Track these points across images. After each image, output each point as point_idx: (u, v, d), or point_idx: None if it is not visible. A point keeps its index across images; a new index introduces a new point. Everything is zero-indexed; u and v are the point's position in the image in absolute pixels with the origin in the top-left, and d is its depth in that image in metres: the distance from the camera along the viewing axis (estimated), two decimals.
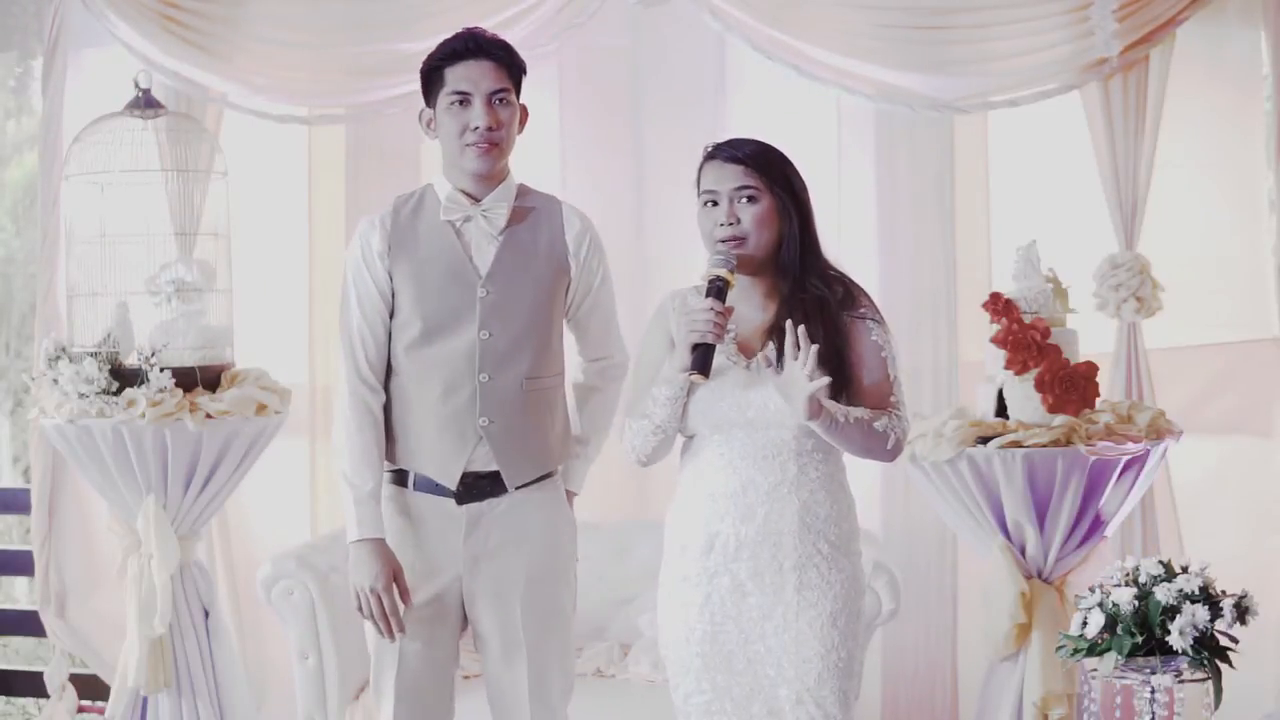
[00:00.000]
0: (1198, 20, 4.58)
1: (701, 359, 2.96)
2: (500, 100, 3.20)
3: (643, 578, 4.43)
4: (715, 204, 3.04)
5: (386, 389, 3.27)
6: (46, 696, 5.05)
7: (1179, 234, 4.69)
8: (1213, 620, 3.01)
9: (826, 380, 2.87)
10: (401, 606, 3.20)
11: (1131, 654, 3.02)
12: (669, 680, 3.14)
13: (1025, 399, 4.08)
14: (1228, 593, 3.07)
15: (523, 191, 3.30)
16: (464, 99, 3.18)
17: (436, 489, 3.23)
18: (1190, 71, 4.66)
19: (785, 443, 3.02)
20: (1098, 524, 4.09)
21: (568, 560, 3.35)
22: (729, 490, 3.04)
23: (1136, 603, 3.04)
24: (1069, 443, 4.00)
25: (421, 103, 3.28)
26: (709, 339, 2.95)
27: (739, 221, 3.01)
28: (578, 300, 3.34)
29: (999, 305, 4.15)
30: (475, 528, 3.24)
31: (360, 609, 3.22)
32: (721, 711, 3.05)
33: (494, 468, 3.23)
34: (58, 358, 4.33)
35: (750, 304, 3.08)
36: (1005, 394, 4.14)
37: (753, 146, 3.06)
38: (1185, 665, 3.01)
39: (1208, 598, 3.04)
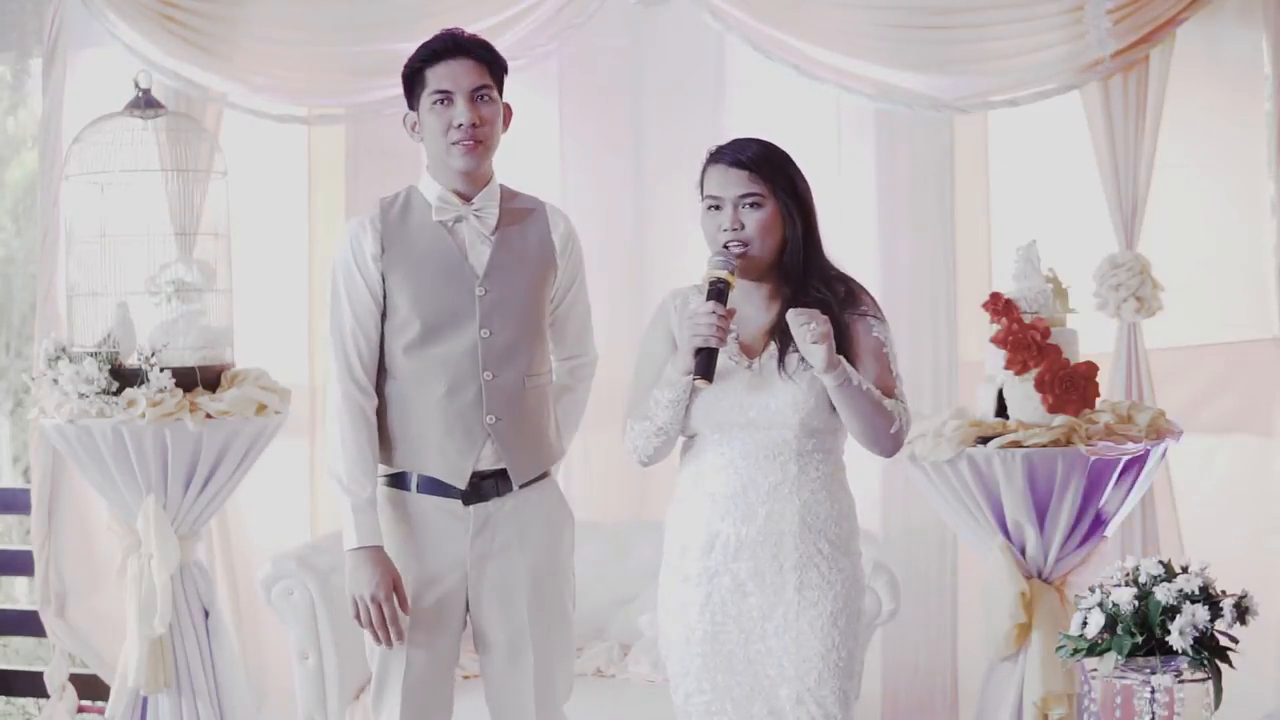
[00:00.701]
0: (1197, 20, 4.58)
1: (705, 363, 2.96)
2: (482, 97, 3.20)
3: (643, 578, 4.43)
4: (719, 208, 3.04)
5: (380, 392, 3.26)
6: (46, 696, 5.05)
7: (1179, 234, 4.70)
8: (1213, 620, 3.01)
9: (828, 327, 2.90)
10: (401, 615, 3.19)
11: (1131, 654, 3.02)
12: (669, 680, 3.14)
13: (1025, 399, 4.08)
14: (1228, 593, 3.07)
15: (508, 193, 3.31)
16: (446, 97, 3.19)
17: (443, 490, 3.23)
18: (1190, 71, 4.66)
19: (786, 443, 3.03)
20: (1098, 524, 4.09)
21: (568, 558, 3.35)
22: (730, 491, 3.04)
23: (1136, 603, 3.04)
24: (1069, 443, 4.00)
25: None
26: (712, 343, 2.95)
27: (743, 227, 3.02)
28: (559, 298, 3.35)
29: (999, 305, 4.15)
30: (483, 528, 3.24)
31: (358, 617, 3.20)
32: (722, 711, 3.05)
33: (500, 466, 3.23)
34: (58, 358, 4.33)
35: (753, 305, 3.08)
36: (1005, 394, 4.14)
37: (756, 149, 3.05)
38: (1185, 665, 3.01)
39: (1208, 598, 3.04)
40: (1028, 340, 4.06)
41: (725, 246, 3.01)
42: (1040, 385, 4.05)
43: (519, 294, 3.24)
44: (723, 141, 3.10)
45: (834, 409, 3.02)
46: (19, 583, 6.69)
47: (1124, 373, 4.60)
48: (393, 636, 3.18)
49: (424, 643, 3.24)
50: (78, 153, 4.54)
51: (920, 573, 4.78)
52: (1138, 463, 4.05)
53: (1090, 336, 4.32)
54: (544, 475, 3.32)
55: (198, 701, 4.44)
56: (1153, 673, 3.02)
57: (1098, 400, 4.17)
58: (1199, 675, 3.02)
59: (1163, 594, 3.02)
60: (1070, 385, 4.05)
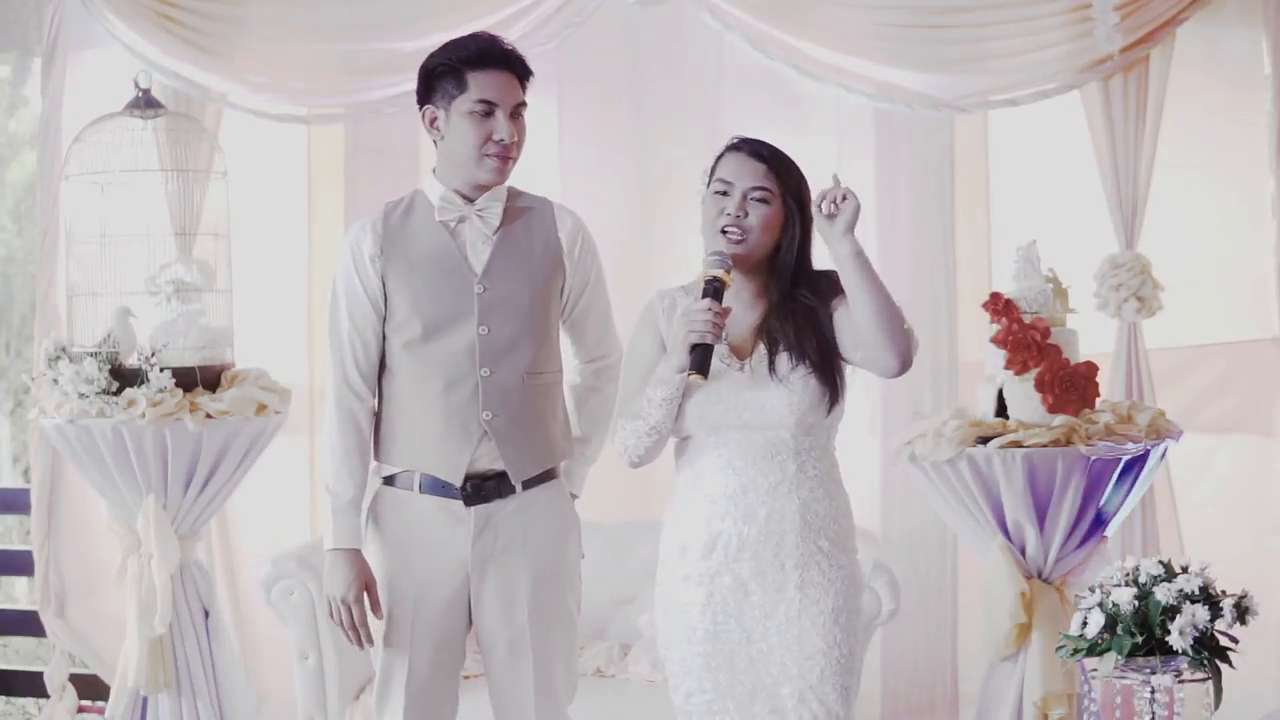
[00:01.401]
0: (1198, 20, 4.58)
1: (700, 359, 2.96)
2: (520, 114, 3.22)
3: (643, 578, 4.43)
4: (726, 194, 3.04)
5: (382, 389, 3.28)
6: (46, 696, 5.05)
7: (1179, 234, 4.70)
8: (1213, 620, 3.01)
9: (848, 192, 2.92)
10: (372, 618, 3.22)
11: (1131, 654, 3.02)
12: (669, 680, 3.14)
13: (1025, 399, 4.08)
14: (1228, 593, 3.07)
15: (514, 193, 3.31)
16: (488, 109, 3.18)
17: (444, 490, 3.23)
18: (1190, 71, 4.65)
19: (783, 442, 3.03)
20: (1098, 524, 4.09)
21: (574, 561, 3.35)
22: (729, 492, 3.04)
23: (1136, 603, 3.04)
24: (1069, 443, 3.99)
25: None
26: (708, 339, 2.95)
27: (745, 216, 3.02)
28: (573, 300, 3.35)
29: (999, 305, 4.15)
30: (484, 530, 3.24)
31: (331, 616, 3.24)
32: (724, 711, 3.05)
33: (499, 467, 3.23)
34: (58, 358, 4.33)
35: (739, 302, 3.08)
36: (1005, 394, 4.13)
37: (776, 149, 3.08)
38: (1185, 665, 3.01)
39: (1208, 598, 3.03)
40: (1028, 340, 4.06)
41: (723, 231, 3.02)
42: (1040, 385, 4.05)
43: (520, 292, 3.24)
44: (722, 141, 3.12)
45: (827, 407, 3.01)
46: (19, 583, 6.69)
47: (1124, 373, 4.59)
48: (361, 639, 3.22)
49: (427, 643, 3.25)
50: (78, 153, 4.54)
51: (920, 573, 4.78)
52: (1138, 463, 4.05)
53: (1090, 336, 4.32)
54: (549, 477, 3.32)
55: (198, 701, 4.44)
56: (1153, 673, 3.02)
57: (1098, 400, 4.17)
58: (1199, 675, 3.02)
59: (1163, 594, 3.02)
60: (1070, 385, 4.05)
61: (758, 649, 3.03)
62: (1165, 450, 4.17)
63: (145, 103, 4.53)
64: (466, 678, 4.00)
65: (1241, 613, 3.05)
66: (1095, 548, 4.11)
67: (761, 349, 3.05)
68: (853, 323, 2.98)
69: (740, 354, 3.06)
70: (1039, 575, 4.10)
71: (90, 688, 5.12)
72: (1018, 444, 4.00)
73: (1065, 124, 4.69)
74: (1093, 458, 3.98)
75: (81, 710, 5.09)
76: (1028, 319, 4.12)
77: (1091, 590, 3.13)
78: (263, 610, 4.56)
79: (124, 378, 4.29)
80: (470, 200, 3.25)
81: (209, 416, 4.30)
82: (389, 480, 3.28)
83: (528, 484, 3.27)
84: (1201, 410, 4.71)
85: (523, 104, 3.23)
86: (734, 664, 3.05)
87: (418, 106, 3.26)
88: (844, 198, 2.94)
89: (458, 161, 3.22)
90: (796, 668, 3.01)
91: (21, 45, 5.35)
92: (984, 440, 4.03)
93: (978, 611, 4.37)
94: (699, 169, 3.13)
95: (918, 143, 4.81)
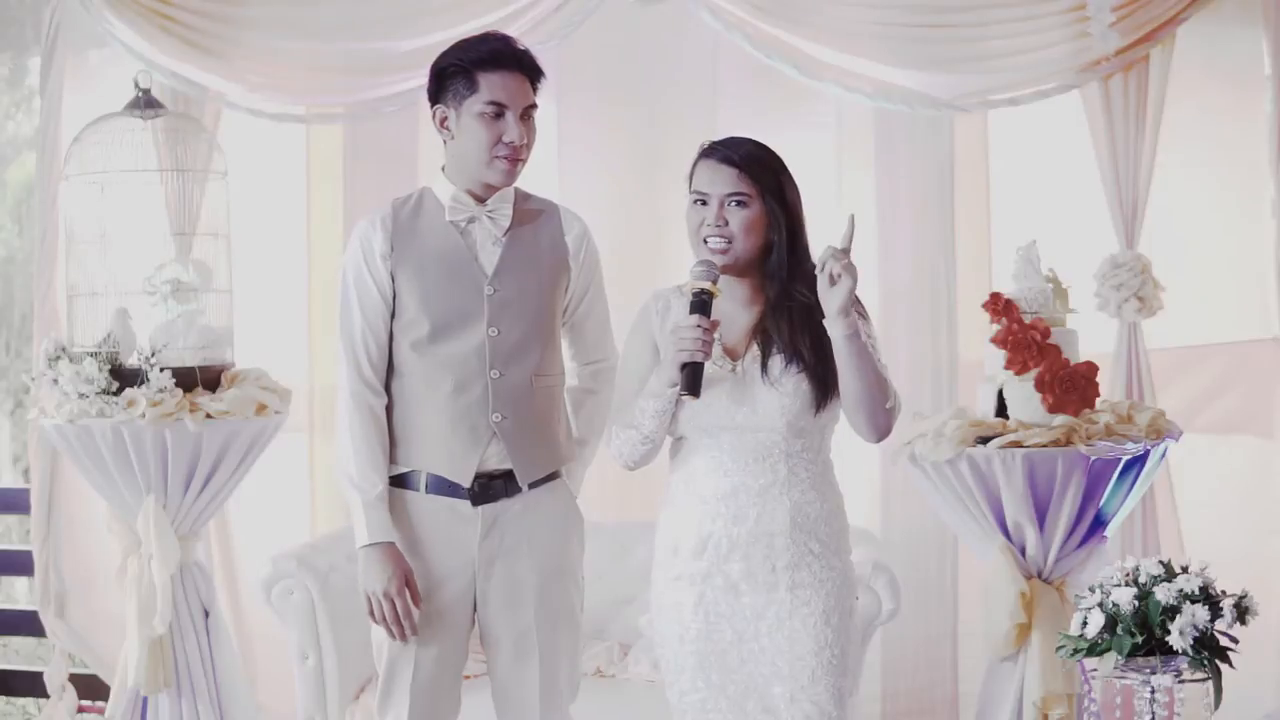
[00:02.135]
0: (1197, 20, 4.58)
1: (691, 379, 2.95)
2: (530, 116, 3.23)
3: (642, 578, 4.38)
4: (704, 204, 3.03)
5: (389, 390, 3.27)
6: (46, 696, 5.05)
7: (1179, 234, 4.70)
8: (1213, 620, 3.01)
9: (849, 261, 2.89)
10: (415, 610, 3.20)
11: (1131, 654, 3.02)
12: (664, 678, 3.14)
13: (1025, 399, 4.08)
14: (1228, 593, 3.07)
15: (521, 195, 3.31)
16: (499, 110, 3.18)
17: (451, 490, 3.23)
18: (1190, 71, 4.65)
19: (775, 444, 3.02)
20: (1098, 524, 4.09)
21: (577, 560, 3.36)
22: (720, 493, 3.04)
23: (1136, 603, 3.04)
24: (1069, 443, 3.99)
25: (421, 99, 3.27)
26: (698, 358, 2.94)
27: (726, 224, 3.01)
28: (575, 302, 3.36)
29: (999, 305, 4.15)
30: (491, 529, 3.24)
31: (372, 614, 3.21)
32: (717, 709, 3.06)
33: (506, 466, 3.23)
34: (58, 358, 4.33)
35: (734, 302, 3.07)
36: (1005, 394, 4.13)
37: (749, 149, 3.04)
38: (1185, 665, 3.01)
39: (1208, 598, 3.03)
40: (1028, 340, 4.06)
41: (705, 242, 3.01)
42: (1040, 385, 4.05)
43: (529, 294, 3.25)
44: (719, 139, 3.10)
45: (818, 408, 3.01)
46: (19, 583, 6.69)
47: (1124, 373, 4.59)
48: (407, 631, 3.19)
49: (433, 643, 3.25)
50: (77, 152, 4.54)
51: (920, 573, 4.78)
52: (1138, 463, 4.05)
53: (1090, 336, 4.32)
54: (554, 477, 3.32)
55: (198, 702, 4.45)
56: (1153, 673, 3.02)
57: (1098, 400, 4.17)
58: (1199, 675, 3.02)
59: (1163, 594, 3.02)
60: (1070, 385, 4.05)
61: (749, 649, 3.04)
62: (1165, 450, 4.17)
63: (145, 102, 4.53)
64: (467, 678, 4.00)
65: (1241, 613, 3.05)
66: (1095, 548, 4.10)
67: (755, 350, 3.04)
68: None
69: (734, 355, 3.05)
70: (1039, 575, 4.10)
71: (90, 688, 5.12)
72: (1018, 444, 3.99)
73: (1065, 124, 4.69)
74: (1093, 458, 3.98)
75: (81, 710, 5.09)
76: (1028, 319, 4.12)
77: (1091, 590, 3.13)
78: (263, 610, 4.56)
79: (124, 378, 4.29)
80: (481, 201, 3.25)
81: (209, 416, 4.30)
82: (394, 481, 3.28)
83: (533, 484, 3.27)
84: (1201, 410, 4.71)
85: (533, 106, 3.23)
86: (726, 663, 3.05)
87: (429, 105, 3.26)
88: (840, 273, 2.89)
89: (467, 162, 3.22)
90: (788, 668, 3.01)
91: (20, 45, 5.35)
92: (984, 440, 4.03)
93: (978, 611, 4.37)
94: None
95: (918, 142, 4.81)
